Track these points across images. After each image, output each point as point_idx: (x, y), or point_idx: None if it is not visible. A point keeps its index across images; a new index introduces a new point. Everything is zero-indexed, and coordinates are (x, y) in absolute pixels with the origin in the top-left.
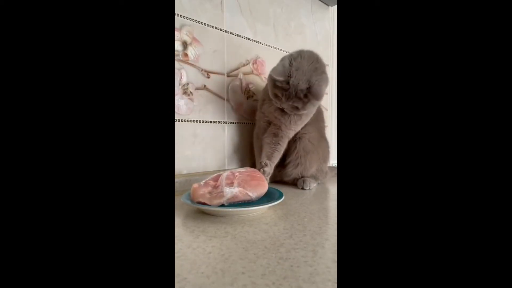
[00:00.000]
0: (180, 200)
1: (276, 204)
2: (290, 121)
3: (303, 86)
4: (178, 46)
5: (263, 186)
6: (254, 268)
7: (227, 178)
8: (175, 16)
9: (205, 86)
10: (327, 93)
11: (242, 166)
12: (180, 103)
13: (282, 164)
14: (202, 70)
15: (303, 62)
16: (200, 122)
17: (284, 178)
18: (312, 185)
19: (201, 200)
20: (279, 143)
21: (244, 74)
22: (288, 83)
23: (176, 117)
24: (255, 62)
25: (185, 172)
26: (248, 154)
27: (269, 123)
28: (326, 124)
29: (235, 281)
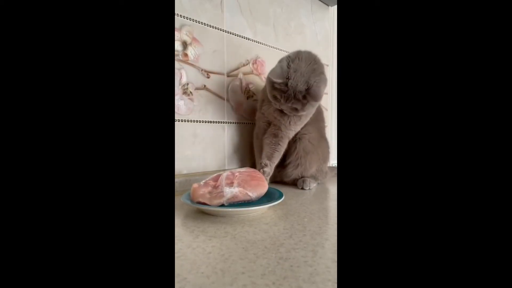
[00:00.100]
0: (180, 200)
1: (276, 204)
2: (289, 122)
3: (301, 87)
4: (178, 46)
5: (263, 186)
6: (254, 268)
7: (227, 178)
8: (175, 16)
9: (205, 86)
10: (326, 93)
11: (242, 166)
12: (180, 103)
13: (282, 164)
14: (202, 70)
15: (301, 63)
16: (200, 122)
17: (284, 179)
18: (312, 185)
19: (201, 200)
20: (279, 144)
21: (244, 74)
22: (286, 85)
23: (176, 117)
24: (255, 62)
25: (185, 172)
26: (248, 154)
27: (269, 123)
28: (326, 124)
29: (235, 281)
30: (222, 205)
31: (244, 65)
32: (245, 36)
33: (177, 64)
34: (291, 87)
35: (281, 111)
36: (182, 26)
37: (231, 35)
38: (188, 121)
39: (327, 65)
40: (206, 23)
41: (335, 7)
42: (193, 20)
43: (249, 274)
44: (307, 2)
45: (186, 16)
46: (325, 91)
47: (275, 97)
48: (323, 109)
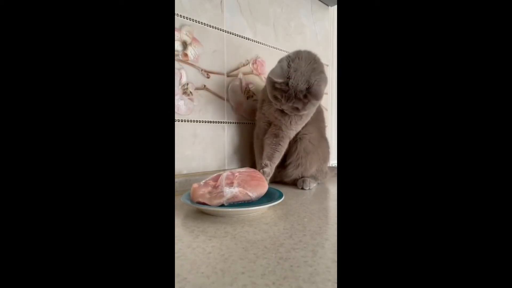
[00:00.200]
0: (180, 200)
1: (276, 204)
2: (290, 122)
3: (302, 86)
4: (178, 46)
5: (263, 186)
6: (254, 268)
7: (227, 178)
8: (175, 16)
9: (205, 86)
10: (326, 93)
11: (242, 166)
12: (180, 103)
13: (282, 164)
14: (202, 70)
15: (301, 62)
16: (200, 122)
17: (284, 179)
18: (312, 185)
19: (201, 200)
20: (279, 144)
21: (244, 74)
22: (287, 84)
23: (176, 117)
24: (255, 62)
25: (185, 172)
26: (248, 154)
27: (270, 123)
28: (326, 124)
29: (235, 281)
30: (222, 205)
31: (244, 65)
32: (245, 36)
33: (177, 64)
34: (291, 86)
35: (282, 111)
36: (182, 26)
37: (231, 35)
38: (188, 121)
39: (327, 65)
40: (206, 23)
41: (335, 7)
42: (193, 20)
43: (249, 274)
44: (307, 2)
45: (186, 16)
46: (325, 91)
47: (275, 97)
48: (323, 109)
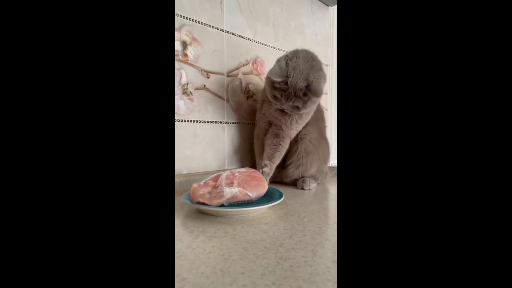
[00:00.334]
0: (180, 200)
1: (276, 204)
2: (291, 121)
3: (301, 84)
4: (177, 46)
5: (263, 186)
6: (254, 268)
7: (227, 178)
8: (175, 16)
9: (204, 86)
10: (326, 93)
11: (242, 166)
12: (180, 103)
13: (283, 165)
14: (201, 70)
15: (299, 61)
16: (200, 122)
17: (284, 179)
18: (312, 185)
19: (201, 200)
20: (280, 144)
21: (244, 74)
22: (286, 83)
23: (176, 117)
24: (254, 62)
25: (185, 172)
26: (248, 154)
27: (270, 123)
28: (326, 124)
29: (234, 281)
30: (222, 205)
31: (244, 65)
32: (245, 36)
33: (177, 64)
34: (291, 85)
35: (282, 111)
36: (182, 26)
37: (231, 35)
38: (188, 121)
39: (327, 65)
40: (206, 23)
41: (335, 7)
42: (193, 20)
43: (249, 274)
44: (307, 2)
45: (186, 16)
46: (325, 91)
47: (275, 97)
48: (323, 109)
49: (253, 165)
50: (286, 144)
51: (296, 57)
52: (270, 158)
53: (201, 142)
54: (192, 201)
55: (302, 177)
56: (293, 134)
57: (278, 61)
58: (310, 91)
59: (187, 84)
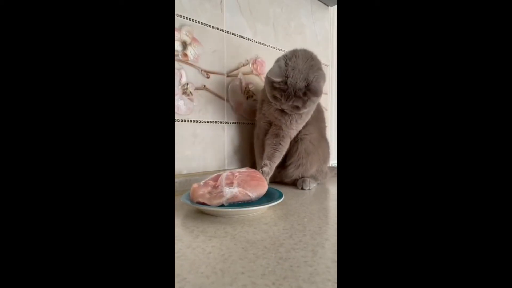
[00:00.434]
0: (180, 200)
1: (276, 204)
2: (291, 121)
3: (301, 84)
4: (177, 46)
5: (263, 186)
6: (254, 268)
7: (227, 178)
8: (175, 16)
9: (204, 86)
10: (326, 93)
11: (242, 166)
12: (180, 103)
13: (283, 165)
14: (201, 70)
15: (298, 60)
16: (200, 122)
17: (284, 179)
18: (312, 185)
19: (201, 200)
20: (280, 144)
21: (244, 74)
22: (286, 83)
23: (176, 117)
24: (254, 62)
25: (185, 172)
26: (248, 154)
27: (270, 123)
28: (326, 125)
29: (234, 281)
30: (222, 205)
31: (244, 65)
32: (245, 36)
33: (177, 64)
34: (290, 85)
35: (282, 111)
36: (182, 26)
37: (231, 35)
38: (188, 121)
39: (327, 65)
40: (206, 23)
41: (335, 7)
42: (193, 20)
43: (249, 274)
44: (307, 2)
45: (186, 16)
46: (325, 91)
47: (275, 97)
48: (323, 109)
49: (253, 165)
50: (286, 144)
51: (295, 56)
52: (270, 158)
53: (201, 142)
54: (192, 201)
55: (302, 177)
56: (293, 134)
57: (277, 61)
58: (309, 91)
59: (187, 84)
